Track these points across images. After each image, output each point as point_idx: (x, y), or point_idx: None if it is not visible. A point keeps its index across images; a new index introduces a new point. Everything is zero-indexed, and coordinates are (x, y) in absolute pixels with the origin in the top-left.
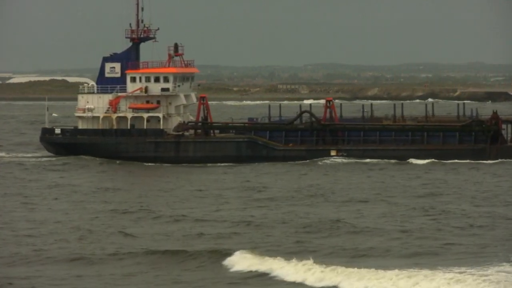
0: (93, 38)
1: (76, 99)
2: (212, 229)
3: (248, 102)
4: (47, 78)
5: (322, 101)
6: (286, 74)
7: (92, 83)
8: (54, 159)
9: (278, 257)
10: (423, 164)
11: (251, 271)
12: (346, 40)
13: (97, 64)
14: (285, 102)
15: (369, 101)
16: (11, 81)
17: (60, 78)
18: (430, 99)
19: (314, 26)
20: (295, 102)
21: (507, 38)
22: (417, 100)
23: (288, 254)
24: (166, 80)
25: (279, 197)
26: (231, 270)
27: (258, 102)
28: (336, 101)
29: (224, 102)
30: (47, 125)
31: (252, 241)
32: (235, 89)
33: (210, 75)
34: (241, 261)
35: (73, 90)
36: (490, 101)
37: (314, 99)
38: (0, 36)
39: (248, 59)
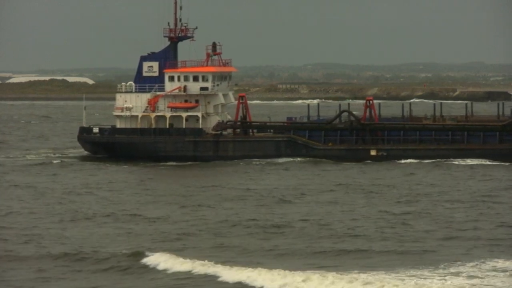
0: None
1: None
2: None
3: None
4: (47, 78)
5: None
6: (285, 74)
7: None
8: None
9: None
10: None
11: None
12: (346, 40)
13: (97, 64)
14: (281, 102)
15: (408, 101)
16: (11, 80)
17: (60, 78)
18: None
19: (314, 26)
20: (299, 101)
21: (507, 38)
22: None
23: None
24: (205, 79)
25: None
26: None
27: (257, 101)
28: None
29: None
30: (84, 124)
31: None
32: (234, 88)
33: None
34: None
35: (73, 90)
36: (490, 101)
37: (313, 98)
38: (0, 36)
39: (248, 59)
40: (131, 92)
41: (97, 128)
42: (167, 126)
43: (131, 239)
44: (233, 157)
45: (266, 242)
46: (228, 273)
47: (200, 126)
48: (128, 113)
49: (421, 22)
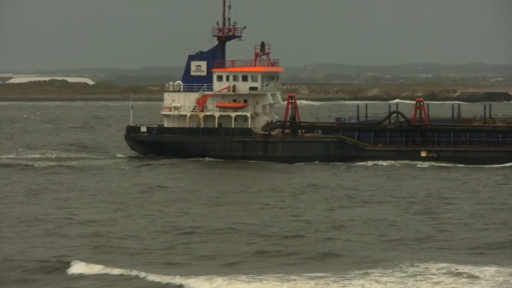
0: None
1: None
2: None
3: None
4: (47, 78)
5: (314, 103)
6: (286, 75)
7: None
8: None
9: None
10: None
11: None
12: (346, 41)
13: (98, 64)
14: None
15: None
16: (11, 81)
17: (60, 78)
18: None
19: (314, 26)
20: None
21: (507, 38)
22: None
23: None
24: (254, 79)
25: None
26: None
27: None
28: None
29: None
30: (131, 124)
31: None
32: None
33: None
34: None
35: (73, 91)
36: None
37: (313, 99)
38: (0, 36)
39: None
40: (179, 91)
41: (145, 127)
42: (216, 126)
43: None
44: (282, 157)
45: None
46: None
47: (249, 126)
48: (176, 113)
49: (421, 22)
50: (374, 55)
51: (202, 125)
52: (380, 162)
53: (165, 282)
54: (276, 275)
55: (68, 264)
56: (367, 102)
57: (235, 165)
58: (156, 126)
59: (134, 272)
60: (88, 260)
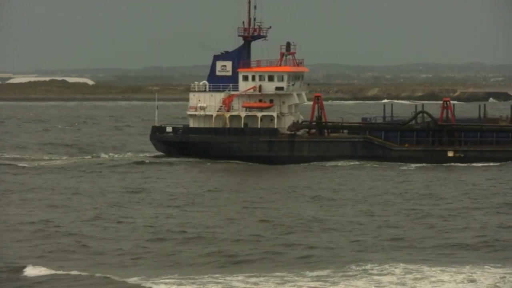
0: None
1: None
2: None
3: None
4: (47, 79)
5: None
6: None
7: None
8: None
9: None
10: None
11: None
12: (346, 41)
13: (97, 65)
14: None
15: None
16: (11, 81)
17: (60, 78)
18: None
19: (313, 26)
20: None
21: (507, 38)
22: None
23: None
24: (280, 79)
25: None
26: None
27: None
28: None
29: None
30: (156, 124)
31: None
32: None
33: None
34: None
35: (73, 91)
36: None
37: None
38: (0, 36)
39: None
40: (204, 91)
41: (170, 127)
42: (242, 126)
43: None
44: (309, 157)
45: None
46: None
47: (275, 126)
48: (202, 113)
49: (421, 22)
50: (374, 55)
51: (228, 125)
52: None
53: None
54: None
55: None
56: (367, 101)
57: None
58: (181, 126)
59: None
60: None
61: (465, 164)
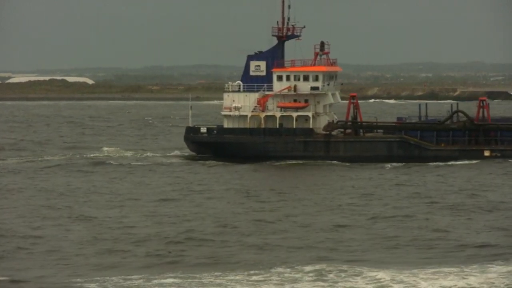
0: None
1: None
2: None
3: None
4: (46, 78)
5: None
6: None
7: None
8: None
9: None
10: None
11: None
12: (346, 40)
13: (97, 64)
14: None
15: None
16: (11, 80)
17: (59, 78)
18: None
19: (313, 26)
20: None
21: (507, 38)
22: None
23: None
24: (315, 78)
25: None
26: None
27: None
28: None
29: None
30: (190, 124)
31: None
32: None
33: (209, 75)
34: None
35: (73, 90)
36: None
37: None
38: (0, 36)
39: None
40: (239, 91)
41: (205, 128)
42: (277, 126)
43: None
44: (344, 157)
45: None
46: None
47: (310, 126)
48: (237, 113)
49: (421, 22)
50: (374, 54)
51: (263, 126)
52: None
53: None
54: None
55: None
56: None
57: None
58: (215, 126)
59: None
60: None
61: None
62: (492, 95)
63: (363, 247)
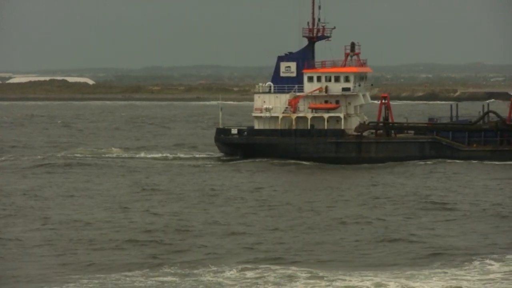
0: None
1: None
2: None
3: (248, 102)
4: (47, 78)
5: None
6: None
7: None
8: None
9: None
10: None
11: None
12: (346, 40)
13: (98, 64)
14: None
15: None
16: (11, 81)
17: (60, 78)
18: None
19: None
20: None
21: (507, 38)
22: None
23: None
24: (346, 79)
25: None
26: None
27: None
28: None
29: (223, 102)
30: (221, 125)
31: None
32: (235, 89)
33: (210, 75)
34: None
35: (73, 90)
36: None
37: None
38: (0, 36)
39: (249, 59)
40: (269, 92)
41: (236, 129)
42: (308, 127)
43: None
44: (376, 158)
45: None
46: None
47: (342, 127)
48: (268, 114)
49: (422, 22)
50: (374, 55)
51: (294, 127)
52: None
53: None
54: None
55: None
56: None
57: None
58: (246, 127)
59: None
60: None
61: None
62: (492, 96)
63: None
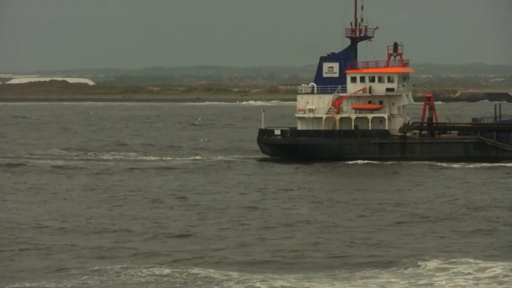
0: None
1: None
2: None
3: (249, 102)
4: (47, 79)
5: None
6: (286, 75)
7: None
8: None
9: None
10: None
11: None
12: (346, 40)
13: (98, 65)
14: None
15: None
16: (11, 81)
17: (60, 79)
18: None
19: (314, 26)
20: None
21: (507, 39)
22: None
23: None
24: (390, 80)
25: None
26: None
27: (257, 102)
28: None
29: (223, 103)
30: (263, 126)
31: None
32: (235, 90)
33: (210, 76)
34: None
35: (73, 91)
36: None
37: None
38: (0, 36)
39: (249, 60)
40: (312, 93)
41: (279, 130)
42: (352, 128)
43: None
44: (420, 159)
45: None
46: None
47: (386, 128)
48: (311, 115)
49: (422, 23)
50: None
51: (338, 128)
52: None
53: None
54: None
55: None
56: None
57: None
58: (288, 128)
59: None
60: None
61: None
62: (492, 97)
63: None
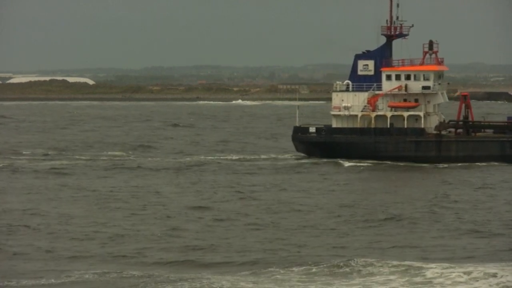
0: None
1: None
2: None
3: (249, 102)
4: (47, 78)
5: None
6: (286, 75)
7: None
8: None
9: None
10: None
11: None
12: (346, 40)
13: (98, 64)
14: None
15: None
16: (11, 81)
17: (60, 78)
18: None
19: (314, 26)
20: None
21: (507, 38)
22: None
23: None
24: (426, 78)
25: None
26: None
27: (257, 102)
28: None
29: (223, 103)
30: (297, 124)
31: None
32: (235, 89)
33: (210, 76)
34: None
35: (73, 90)
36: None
37: (314, 99)
38: (0, 36)
39: (248, 59)
40: (348, 91)
41: (314, 128)
42: (387, 126)
43: None
44: (456, 157)
45: None
46: None
47: (422, 126)
48: (346, 113)
49: (421, 22)
50: None
51: (373, 125)
52: None
53: None
54: None
55: None
56: None
57: None
58: (323, 126)
59: None
60: None
61: None
62: (492, 96)
63: None
